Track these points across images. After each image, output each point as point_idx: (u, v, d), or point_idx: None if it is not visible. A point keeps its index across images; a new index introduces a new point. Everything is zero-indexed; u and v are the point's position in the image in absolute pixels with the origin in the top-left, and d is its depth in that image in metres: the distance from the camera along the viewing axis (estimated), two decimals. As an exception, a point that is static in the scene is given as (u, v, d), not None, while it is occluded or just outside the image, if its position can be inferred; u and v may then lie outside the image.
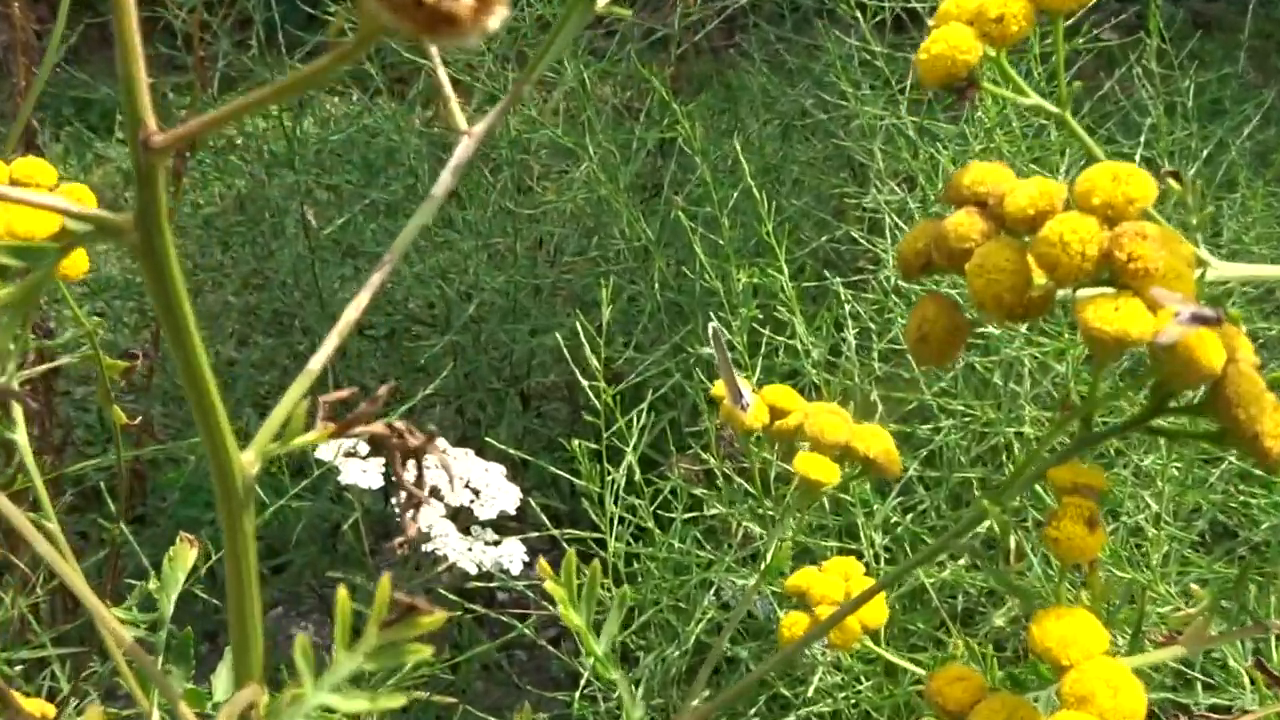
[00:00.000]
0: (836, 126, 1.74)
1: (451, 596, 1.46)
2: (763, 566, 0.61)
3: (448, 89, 0.43)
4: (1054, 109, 0.50)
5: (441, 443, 1.58)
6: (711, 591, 1.43)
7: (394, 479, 0.41)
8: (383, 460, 1.45)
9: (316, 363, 0.39)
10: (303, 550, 1.83)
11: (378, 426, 0.40)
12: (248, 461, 0.36)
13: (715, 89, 2.06)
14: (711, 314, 1.48)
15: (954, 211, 0.48)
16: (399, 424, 0.41)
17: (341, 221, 1.78)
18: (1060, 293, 0.45)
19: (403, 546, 0.42)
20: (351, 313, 0.39)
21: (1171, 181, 0.48)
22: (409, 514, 0.42)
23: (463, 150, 0.42)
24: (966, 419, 1.42)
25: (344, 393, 0.39)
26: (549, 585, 0.48)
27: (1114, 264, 0.43)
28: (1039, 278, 0.45)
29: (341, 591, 0.33)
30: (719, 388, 0.64)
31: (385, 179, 1.80)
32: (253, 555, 0.35)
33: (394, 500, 0.39)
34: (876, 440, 0.64)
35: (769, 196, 1.31)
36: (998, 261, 0.44)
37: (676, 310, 1.76)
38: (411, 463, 0.42)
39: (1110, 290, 0.44)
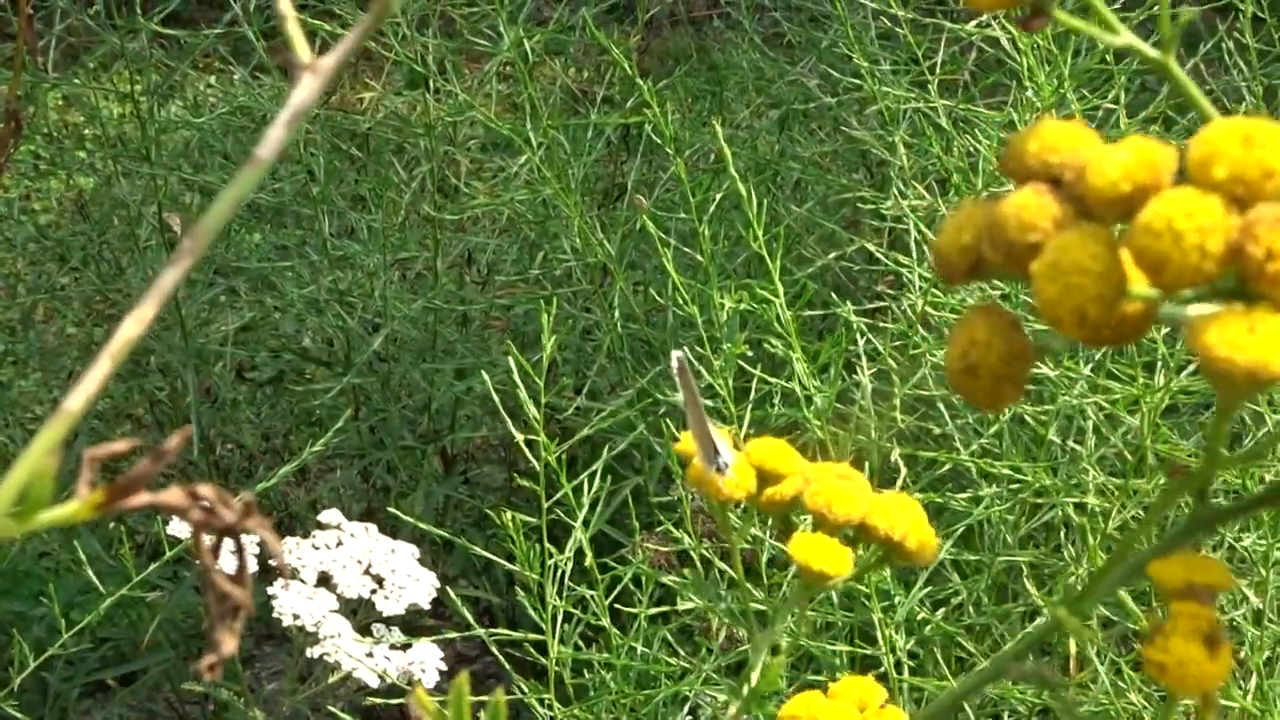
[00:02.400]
0: (848, 114, 1.70)
1: (347, 718, 1.39)
2: (747, 687, 0.55)
3: (285, 5, 0.37)
4: (1153, 52, 0.44)
5: (336, 516, 1.50)
6: (685, 711, 1.37)
7: (200, 572, 0.35)
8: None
9: (77, 400, 0.32)
10: (158, 655, 1.76)
11: (173, 494, 0.33)
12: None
13: (694, 68, 2.01)
14: (687, 350, 1.42)
15: (1015, 190, 0.42)
16: (205, 490, 0.34)
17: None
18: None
19: (212, 670, 0.35)
20: (131, 328, 0.32)
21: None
22: (224, 623, 0.35)
23: (303, 92, 0.36)
24: (1014, 486, 1.36)
25: (122, 445, 0.33)
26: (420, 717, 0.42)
27: (1246, 264, 0.37)
28: (1137, 284, 0.39)
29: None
30: (686, 440, 0.58)
31: (271, 176, 1.75)
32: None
33: (204, 602, 0.33)
34: (903, 515, 0.57)
35: (762, 202, 1.25)
36: (1079, 259, 0.38)
37: (642, 346, 1.71)
38: (227, 547, 0.35)
39: (1238, 304, 0.39)
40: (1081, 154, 0.41)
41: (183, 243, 0.37)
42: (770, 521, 1.37)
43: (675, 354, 0.57)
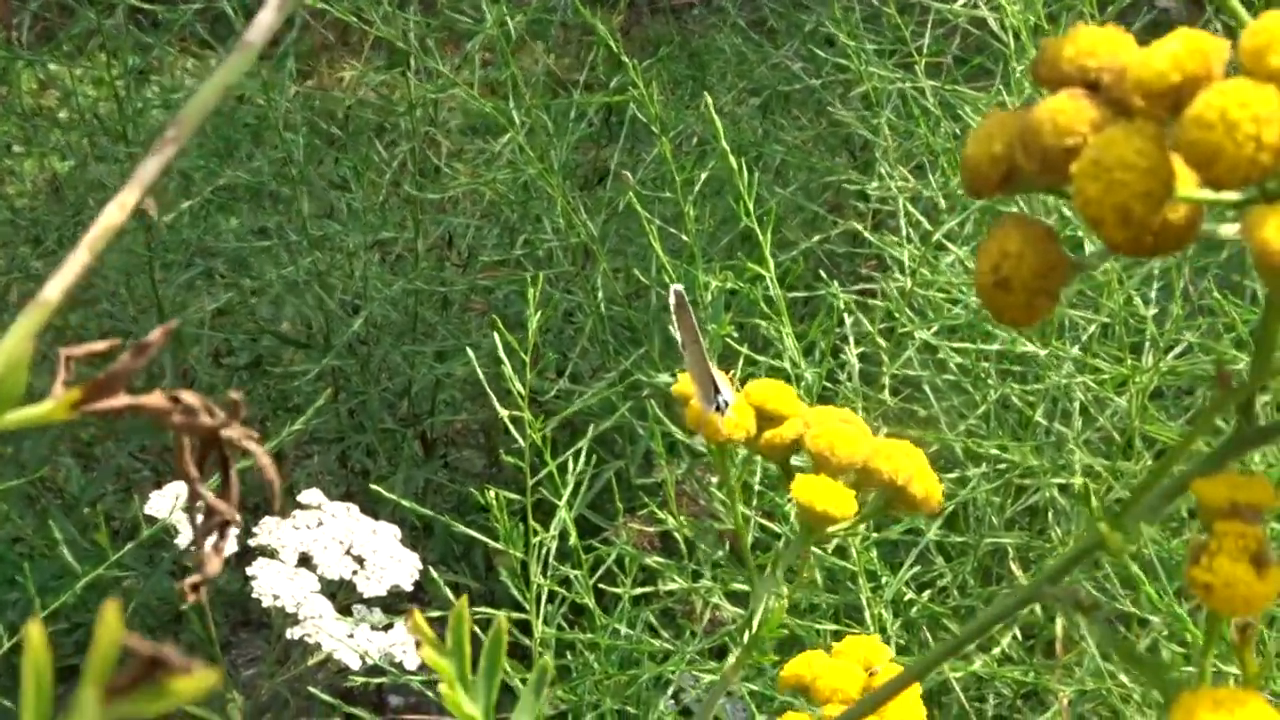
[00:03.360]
0: (832, 96, 1.67)
1: (327, 698, 1.36)
2: (748, 633, 0.52)
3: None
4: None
5: (317, 496, 1.46)
6: (669, 692, 1.35)
7: (183, 482, 0.32)
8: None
9: (55, 290, 0.29)
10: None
11: (153, 397, 0.31)
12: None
13: (675, 54, 1.99)
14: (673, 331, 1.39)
15: (1048, 96, 0.40)
16: (187, 394, 0.32)
17: (188, 207, 1.68)
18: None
19: (196, 590, 0.32)
20: (113, 214, 0.30)
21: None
22: (209, 539, 0.32)
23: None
24: (1001, 467, 1.34)
25: (101, 345, 0.30)
26: (426, 653, 0.39)
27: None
28: (1184, 184, 0.36)
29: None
30: (684, 382, 0.56)
31: (247, 155, 1.72)
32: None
33: (187, 520, 0.30)
34: (907, 460, 0.55)
35: (753, 175, 1.23)
36: (1124, 154, 0.36)
37: (625, 329, 1.68)
38: (213, 458, 0.32)
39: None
40: (1121, 57, 0.39)
41: (167, 130, 0.34)
42: (757, 501, 1.35)
43: (674, 288, 0.54)
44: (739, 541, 0.59)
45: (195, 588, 0.34)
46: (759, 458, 0.57)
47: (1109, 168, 0.36)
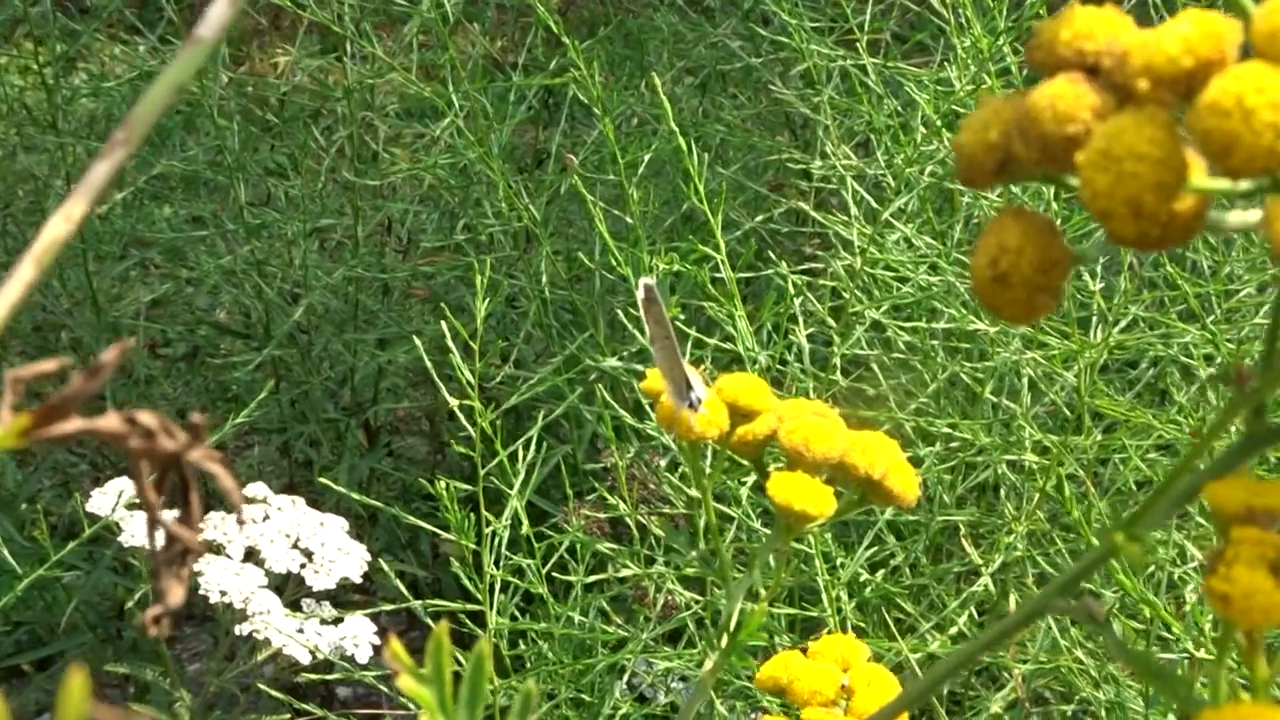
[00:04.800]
0: (771, 74, 1.65)
1: (276, 694, 1.33)
2: (725, 636, 0.50)
3: None
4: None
5: (262, 489, 1.43)
6: (624, 679, 1.33)
7: (144, 509, 0.29)
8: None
9: (1, 308, 0.27)
10: (77, 637, 1.69)
11: (108, 420, 0.28)
12: None
13: (612, 36, 1.96)
14: (619, 314, 1.37)
15: (1047, 82, 0.38)
16: (146, 416, 0.29)
17: (121, 198, 1.64)
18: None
19: (158, 623, 0.30)
20: (59, 226, 0.27)
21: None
22: (171, 570, 0.30)
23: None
24: (953, 445, 1.33)
25: (51, 364, 0.27)
26: (405, 683, 0.37)
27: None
28: (1196, 175, 0.34)
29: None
30: (654, 378, 0.53)
31: (180, 144, 1.68)
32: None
33: (148, 545, 0.28)
34: (882, 454, 0.53)
35: (702, 157, 1.21)
36: (1134, 144, 0.34)
37: (569, 313, 1.66)
38: (170, 478, 0.30)
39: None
40: (1121, 40, 0.37)
41: (116, 133, 0.31)
42: (709, 486, 1.33)
43: (643, 281, 0.52)
44: (711, 540, 0.57)
45: (158, 620, 0.31)
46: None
47: (1119, 158, 0.34)
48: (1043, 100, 0.36)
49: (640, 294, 0.52)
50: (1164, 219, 0.35)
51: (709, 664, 0.49)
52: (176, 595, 0.31)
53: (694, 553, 0.53)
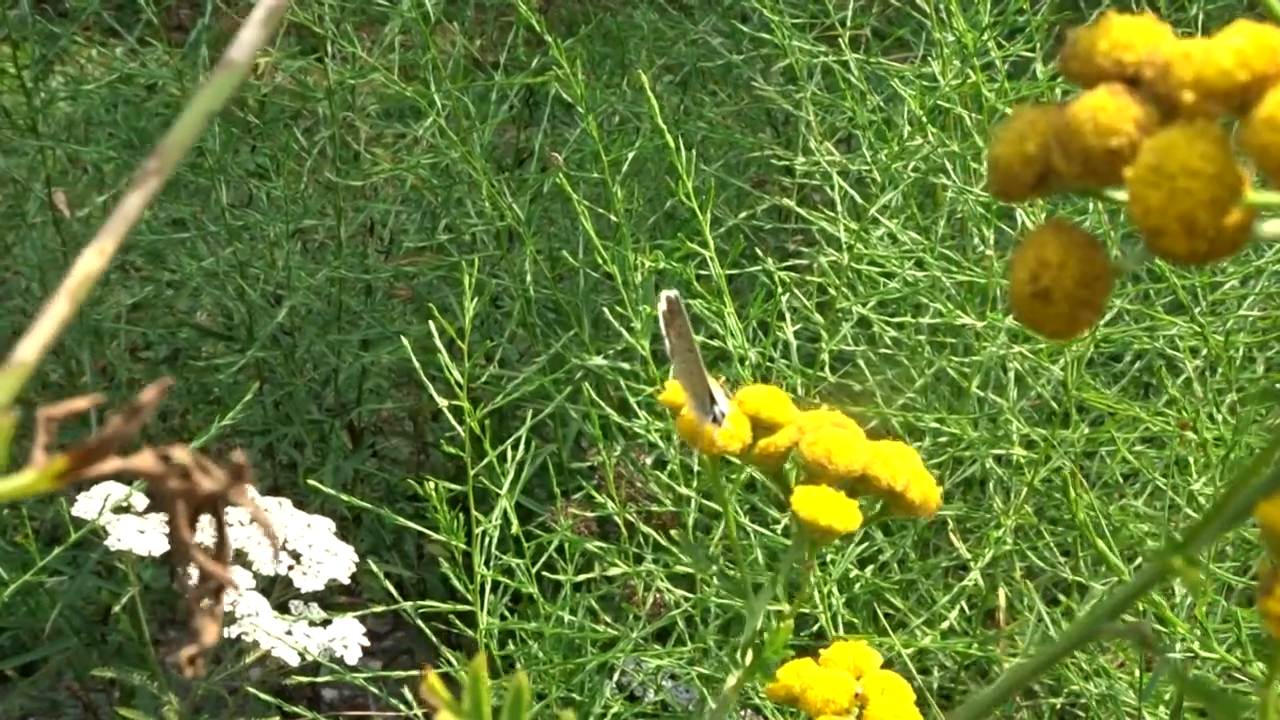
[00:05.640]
0: (753, 71, 1.64)
1: (265, 697, 1.32)
2: (750, 654, 0.49)
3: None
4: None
5: (249, 492, 1.40)
6: (614, 678, 1.32)
7: (177, 548, 0.28)
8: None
9: (31, 349, 0.26)
10: (61, 642, 1.68)
11: (145, 459, 0.27)
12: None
13: (591, 35, 1.95)
14: (604, 312, 1.36)
15: (1084, 94, 0.37)
16: (181, 453, 0.28)
17: (103, 201, 1.62)
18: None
19: (194, 662, 0.29)
20: (92, 260, 0.26)
21: None
22: (204, 605, 0.29)
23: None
24: (940, 440, 1.32)
25: (83, 402, 0.26)
26: (444, 719, 0.35)
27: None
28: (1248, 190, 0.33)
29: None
30: (674, 390, 0.52)
31: (162, 146, 1.65)
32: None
33: (179, 583, 0.27)
34: (904, 465, 0.52)
35: (692, 151, 1.20)
36: (1187, 160, 0.33)
37: (553, 312, 1.65)
38: (206, 519, 0.29)
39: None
40: (1161, 50, 0.36)
41: (148, 163, 0.30)
42: (697, 482, 1.32)
43: (666, 294, 0.51)
44: (732, 553, 0.56)
45: (193, 660, 0.30)
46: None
47: (1172, 174, 0.33)
48: (1084, 112, 0.36)
49: (662, 306, 0.51)
50: (1212, 235, 0.34)
51: (732, 680, 0.49)
52: (211, 633, 0.30)
53: (712, 567, 0.52)
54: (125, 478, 0.27)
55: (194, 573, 0.30)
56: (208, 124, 0.29)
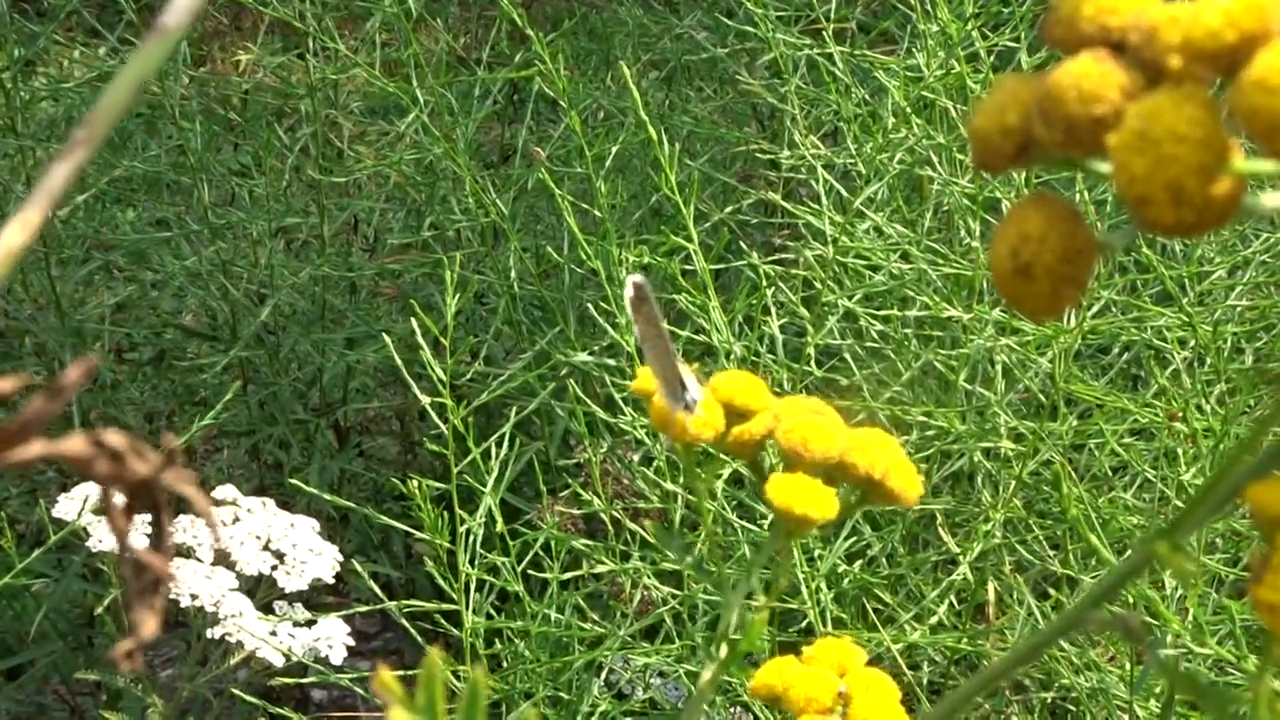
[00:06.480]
0: (738, 65, 1.63)
1: (250, 699, 1.31)
2: (724, 646, 0.48)
3: None
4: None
5: (232, 492, 1.39)
6: (602, 676, 1.31)
7: (117, 541, 0.26)
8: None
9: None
10: (46, 646, 1.66)
11: (73, 443, 0.25)
12: None
13: (575, 30, 1.93)
14: (589, 308, 1.35)
15: (1067, 61, 0.35)
16: (113, 437, 0.26)
17: (83, 201, 1.60)
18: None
19: (130, 657, 0.27)
20: (14, 234, 0.24)
21: None
22: (143, 600, 0.27)
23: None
24: (928, 434, 1.31)
25: (9, 381, 0.25)
26: (397, 716, 0.34)
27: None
28: (1237, 157, 0.32)
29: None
30: (645, 377, 0.51)
31: (142, 146, 1.64)
32: None
33: (119, 575, 0.25)
34: (883, 453, 0.50)
35: (674, 145, 1.18)
36: (1173, 125, 0.31)
37: (538, 309, 1.63)
38: (143, 505, 0.27)
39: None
40: (1147, 14, 0.34)
41: (76, 132, 0.28)
42: (685, 478, 1.31)
43: (632, 279, 0.49)
44: (708, 544, 0.55)
45: (130, 654, 0.28)
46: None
47: (1157, 140, 0.31)
48: (1066, 79, 0.34)
49: (629, 292, 0.49)
50: (1202, 204, 0.32)
51: (706, 674, 0.47)
52: (149, 627, 0.29)
53: (689, 558, 0.50)
54: (53, 462, 0.26)
55: (129, 565, 0.29)
56: (139, 92, 0.27)
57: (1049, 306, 0.35)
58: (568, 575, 1.28)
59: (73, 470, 1.90)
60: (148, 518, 0.29)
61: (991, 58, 1.32)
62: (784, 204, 1.37)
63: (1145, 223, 0.33)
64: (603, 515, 1.30)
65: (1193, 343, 1.28)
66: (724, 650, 0.47)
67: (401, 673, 0.48)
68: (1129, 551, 1.19)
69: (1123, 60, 0.34)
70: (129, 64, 0.28)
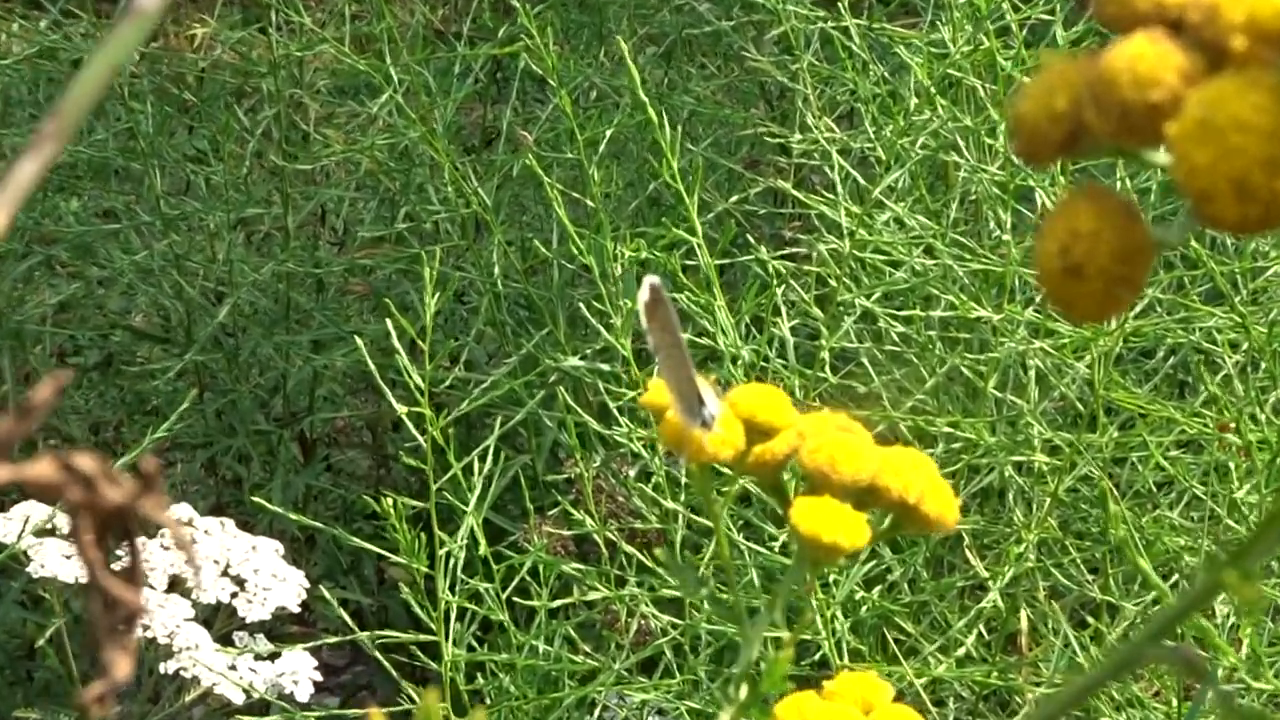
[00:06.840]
0: (745, 40, 1.64)
1: (207, 740, 1.31)
2: (744, 687, 0.48)
3: None
4: None
5: (187, 511, 1.40)
6: (595, 713, 1.32)
7: (89, 572, 0.27)
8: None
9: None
10: (-20, 681, 1.67)
11: (42, 467, 0.26)
12: None
13: (565, 2, 1.94)
14: (582, 308, 1.35)
15: (1120, 41, 0.36)
16: (84, 460, 0.27)
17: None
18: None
19: (103, 701, 0.27)
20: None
21: None
22: (115, 638, 0.27)
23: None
24: (954, 446, 1.32)
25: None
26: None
27: None
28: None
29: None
30: (657, 391, 0.51)
31: (88, 129, 1.65)
32: None
33: (87, 610, 0.25)
34: (918, 474, 0.51)
35: (676, 128, 1.19)
36: (1239, 113, 0.31)
37: (525, 308, 1.64)
38: (115, 534, 0.27)
39: None
40: (1206, -9, 0.35)
41: (44, 125, 0.29)
42: (686, 496, 1.31)
43: (648, 280, 0.49)
44: (725, 574, 0.55)
45: (101, 699, 0.29)
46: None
47: (1221, 129, 0.32)
48: (1120, 62, 0.34)
49: (644, 295, 0.49)
50: (1269, 199, 0.33)
51: (724, 717, 0.47)
52: (123, 668, 0.29)
53: (704, 590, 0.50)
54: (18, 487, 0.26)
55: (101, 599, 0.29)
56: (111, 81, 0.28)
57: (1101, 309, 0.35)
58: (557, 603, 1.29)
59: (8, 489, 1.91)
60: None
61: (1024, 32, 1.32)
62: (795, 193, 1.38)
63: (1207, 219, 0.33)
64: (596, 536, 1.31)
65: (1246, 345, 1.29)
66: (744, 691, 0.48)
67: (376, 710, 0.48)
68: (1182, 577, 1.20)
69: (1181, 41, 0.35)
70: (101, 49, 0.28)
